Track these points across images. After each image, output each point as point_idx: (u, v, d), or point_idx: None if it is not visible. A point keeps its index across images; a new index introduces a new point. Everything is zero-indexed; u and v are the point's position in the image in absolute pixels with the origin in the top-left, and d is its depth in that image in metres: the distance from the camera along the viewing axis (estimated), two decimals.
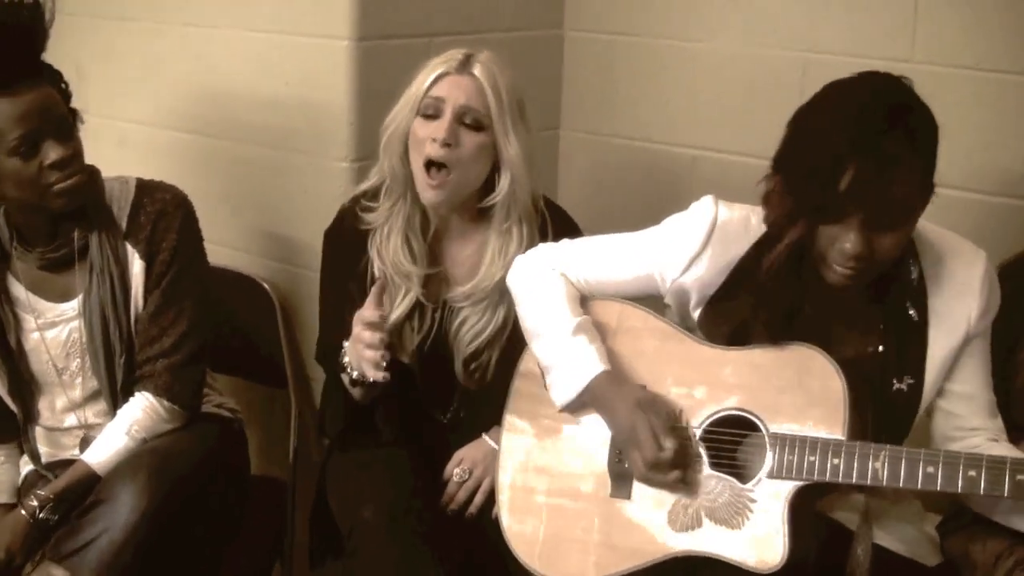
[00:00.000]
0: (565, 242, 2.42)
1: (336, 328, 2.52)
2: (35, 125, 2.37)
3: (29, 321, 2.56)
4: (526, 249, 2.51)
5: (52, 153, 2.38)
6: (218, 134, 3.13)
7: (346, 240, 2.58)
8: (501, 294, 2.53)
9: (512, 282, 2.43)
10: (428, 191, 2.47)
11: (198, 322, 2.58)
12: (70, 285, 2.55)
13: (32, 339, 2.57)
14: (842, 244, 2.00)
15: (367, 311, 2.37)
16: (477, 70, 2.47)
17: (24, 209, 2.48)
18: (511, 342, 2.53)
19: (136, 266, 2.55)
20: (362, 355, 2.36)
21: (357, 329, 2.38)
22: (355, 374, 2.43)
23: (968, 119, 2.71)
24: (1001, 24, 2.67)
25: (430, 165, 2.44)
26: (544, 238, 2.56)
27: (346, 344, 2.45)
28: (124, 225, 2.55)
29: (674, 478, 2.14)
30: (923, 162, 1.99)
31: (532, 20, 3.23)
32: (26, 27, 2.41)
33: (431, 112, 2.45)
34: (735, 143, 2.99)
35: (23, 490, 2.60)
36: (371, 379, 2.38)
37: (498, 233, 2.55)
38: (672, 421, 2.18)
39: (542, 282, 2.36)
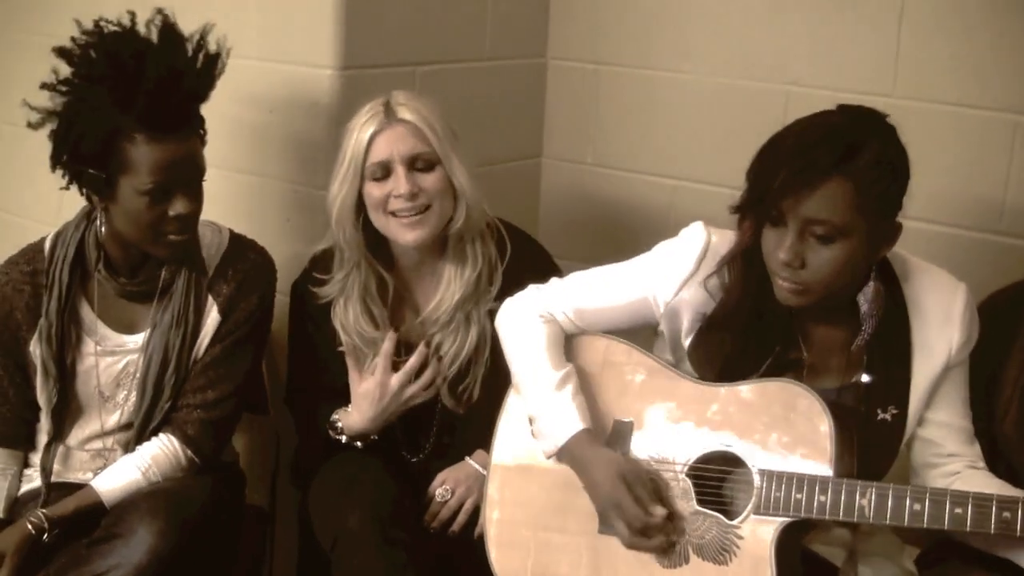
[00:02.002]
0: (554, 280, 2.42)
1: (306, 373, 2.58)
2: (174, 175, 2.39)
3: (89, 345, 2.56)
4: (482, 266, 2.55)
5: (179, 206, 2.41)
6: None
7: (311, 306, 2.62)
8: (467, 315, 2.56)
9: (499, 326, 2.43)
10: (408, 233, 2.48)
11: (244, 386, 2.61)
12: (140, 319, 2.57)
13: (87, 362, 2.57)
14: (777, 252, 2.06)
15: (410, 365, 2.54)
16: (405, 114, 2.48)
17: (128, 244, 2.49)
18: (493, 361, 2.54)
19: (211, 318, 2.56)
20: (409, 396, 2.54)
21: (395, 383, 2.53)
22: (343, 439, 2.55)
23: (948, 154, 2.75)
24: (982, 61, 2.70)
25: (400, 212, 2.47)
26: (502, 250, 2.59)
27: (338, 413, 2.54)
28: (211, 273, 2.57)
29: (660, 543, 2.15)
30: (855, 184, 2.03)
31: (515, 49, 3.25)
32: (200, 77, 2.44)
33: (380, 175, 2.47)
34: (715, 174, 3.01)
35: (17, 507, 2.58)
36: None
37: (453, 256, 2.57)
38: (656, 491, 2.19)
39: (527, 331, 2.35)
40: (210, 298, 2.56)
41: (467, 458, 2.60)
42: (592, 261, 2.46)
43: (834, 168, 2.01)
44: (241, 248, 2.62)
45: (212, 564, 2.53)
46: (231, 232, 2.65)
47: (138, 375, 2.56)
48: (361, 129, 2.48)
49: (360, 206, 2.51)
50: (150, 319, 2.55)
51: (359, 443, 2.58)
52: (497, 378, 2.49)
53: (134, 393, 2.57)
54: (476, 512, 2.51)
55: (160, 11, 2.46)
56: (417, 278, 2.62)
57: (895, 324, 2.18)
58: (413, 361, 2.53)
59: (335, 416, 2.57)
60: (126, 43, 2.41)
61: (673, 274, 2.27)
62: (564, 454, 2.24)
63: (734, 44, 3.02)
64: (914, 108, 2.76)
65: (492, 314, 2.52)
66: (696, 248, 2.26)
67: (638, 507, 2.13)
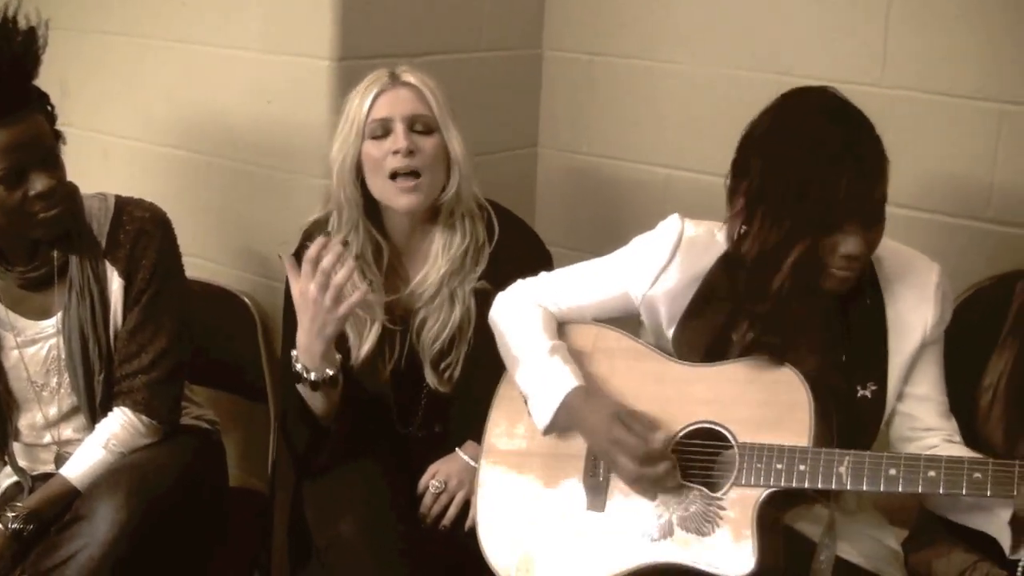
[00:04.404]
0: (543, 275, 2.48)
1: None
2: (22, 156, 2.36)
3: (9, 339, 2.57)
4: (470, 243, 2.58)
5: (38, 184, 2.39)
6: (200, 149, 3.16)
7: None
8: (452, 292, 2.58)
9: (493, 317, 2.47)
10: (402, 198, 2.51)
11: (176, 339, 2.60)
12: (49, 303, 2.56)
13: (12, 357, 2.58)
14: (845, 249, 2.10)
15: (323, 265, 2.34)
16: (410, 78, 2.55)
17: (5, 233, 2.48)
18: (477, 340, 2.57)
19: (115, 284, 2.56)
20: (331, 303, 2.34)
21: (314, 290, 2.35)
22: (313, 375, 2.43)
23: (936, 142, 2.78)
24: (968, 50, 2.73)
25: (395, 176, 2.49)
26: (491, 232, 2.62)
27: (294, 352, 2.45)
28: (103, 243, 2.56)
29: (666, 468, 2.17)
30: (884, 153, 2.12)
31: (511, 40, 3.28)
32: (18, 55, 2.40)
33: (380, 133, 2.51)
34: (708, 162, 3.04)
35: (0, 504, 2.59)
36: (338, 357, 2.42)
37: (443, 230, 2.60)
38: (652, 424, 2.23)
39: (520, 314, 2.41)
40: (108, 264, 2.55)
41: (458, 450, 2.62)
42: (588, 249, 2.51)
43: (877, 153, 2.11)
44: (128, 209, 2.60)
45: (196, 537, 2.56)
46: (117, 197, 2.62)
47: (63, 357, 2.56)
48: (365, 91, 2.53)
49: (360, 169, 2.54)
50: (58, 301, 2.55)
51: (314, 378, 2.44)
52: (480, 358, 2.53)
53: (65, 376, 2.58)
54: (468, 505, 2.52)
55: None
56: (408, 250, 2.64)
57: (871, 303, 2.24)
58: (327, 260, 2.34)
59: (294, 351, 2.47)
60: None
61: (648, 266, 2.32)
62: (561, 413, 2.27)
63: (727, 34, 3.05)
64: (902, 97, 2.80)
65: (477, 293, 2.56)
66: (670, 240, 2.31)
67: (636, 438, 2.17)
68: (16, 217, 2.41)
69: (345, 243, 2.45)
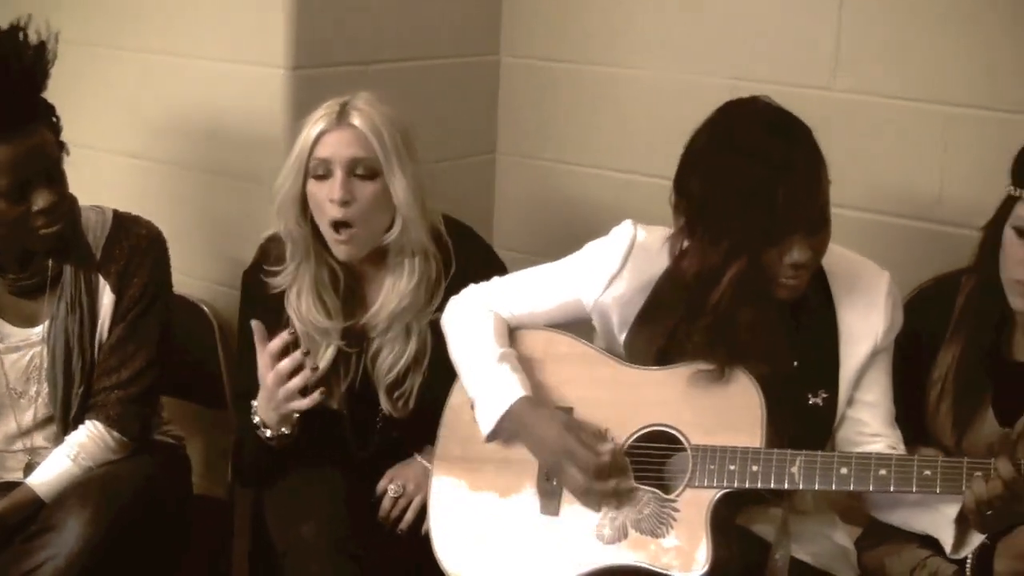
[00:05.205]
0: (495, 280, 2.48)
1: (250, 374, 2.51)
2: (26, 171, 2.37)
3: None
4: (420, 280, 2.55)
5: (40, 200, 2.39)
6: (157, 158, 3.16)
7: (263, 296, 2.59)
8: (407, 326, 2.56)
9: (444, 322, 2.48)
10: (339, 248, 2.50)
11: (156, 359, 2.60)
12: (37, 311, 2.56)
13: None
14: (791, 258, 2.11)
15: (279, 367, 2.38)
16: (355, 119, 2.47)
17: (2, 243, 2.48)
18: (432, 370, 2.56)
19: (106, 298, 2.56)
20: (283, 399, 2.39)
21: (269, 382, 2.40)
22: (268, 433, 2.47)
23: (885, 145, 2.82)
24: (919, 55, 2.77)
25: (337, 225, 2.47)
26: (448, 266, 2.59)
27: (255, 403, 2.47)
28: (98, 256, 2.56)
29: (614, 485, 2.19)
30: (821, 158, 2.13)
31: (468, 46, 3.29)
32: (28, 70, 2.40)
33: (321, 173, 2.47)
34: (667, 168, 3.02)
35: None
36: (296, 416, 2.42)
37: (392, 269, 2.57)
38: (601, 436, 2.24)
39: (471, 319, 2.42)
40: (101, 279, 2.55)
41: (415, 455, 2.62)
42: (547, 255, 2.52)
43: (815, 159, 2.12)
44: (126, 225, 2.61)
45: (160, 549, 2.56)
46: (115, 212, 2.63)
47: (45, 367, 2.56)
48: (312, 125, 2.49)
49: (305, 202, 2.51)
50: (46, 310, 2.55)
51: (269, 435, 2.48)
52: (436, 388, 2.51)
53: (44, 385, 2.57)
54: (424, 510, 2.51)
55: None
56: (365, 276, 2.63)
57: (822, 311, 2.26)
58: (285, 364, 2.38)
59: (255, 402, 2.49)
60: None
61: (600, 272, 2.32)
62: (506, 422, 2.27)
63: (684, 40, 3.07)
64: (853, 101, 2.84)
65: (433, 325, 2.54)
66: (622, 245, 2.32)
67: (587, 450, 2.18)
68: (16, 230, 2.42)
69: (307, 353, 2.43)
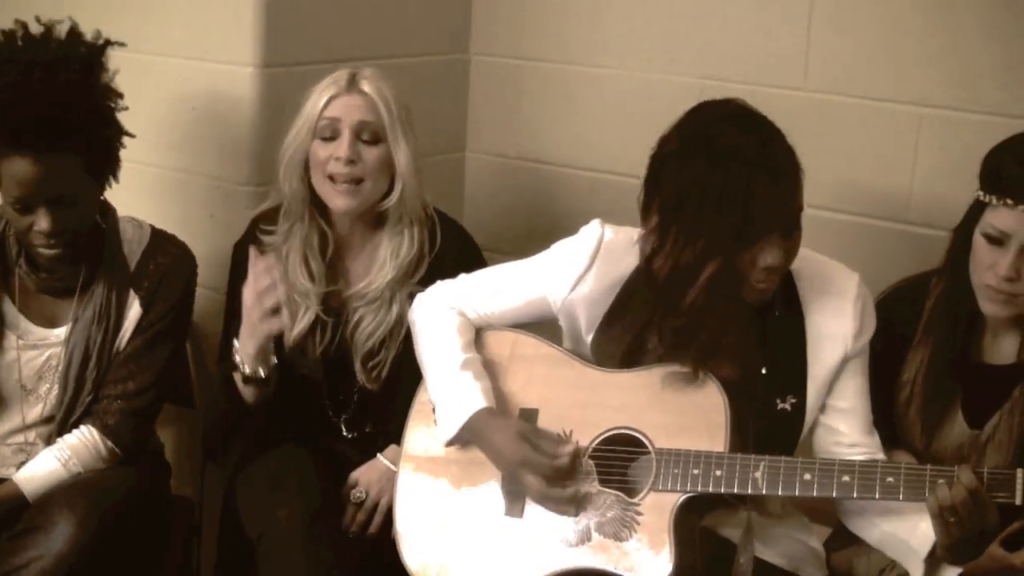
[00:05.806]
0: (462, 277, 2.48)
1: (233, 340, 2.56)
2: (34, 191, 2.39)
3: (11, 339, 2.58)
4: (417, 250, 2.62)
5: (42, 222, 2.42)
6: (125, 156, 3.12)
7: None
8: (392, 295, 2.62)
9: (412, 318, 2.49)
10: (339, 198, 2.57)
11: (163, 378, 2.63)
12: (62, 313, 2.59)
13: (9, 356, 2.58)
14: (765, 261, 2.09)
15: (259, 284, 2.42)
16: (366, 86, 2.58)
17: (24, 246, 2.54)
18: (406, 345, 2.58)
19: (133, 311, 2.59)
20: (258, 319, 2.42)
21: (249, 301, 2.44)
22: (247, 370, 2.50)
23: (856, 146, 2.82)
24: (888, 55, 2.77)
25: (335, 178, 2.55)
26: (433, 242, 2.65)
27: (236, 342, 2.50)
28: (132, 269, 2.59)
29: (572, 492, 2.19)
30: (797, 160, 2.12)
31: (438, 45, 3.29)
32: (66, 103, 2.40)
33: (328, 134, 2.56)
34: (635, 167, 3.03)
35: None
36: (275, 332, 2.45)
37: (391, 236, 2.64)
38: (559, 441, 2.24)
39: (437, 320, 2.41)
40: (132, 292, 2.59)
41: (379, 455, 2.63)
42: (516, 253, 2.51)
43: (790, 160, 2.12)
44: (162, 242, 2.66)
45: (141, 553, 2.56)
46: (152, 227, 2.68)
47: (60, 368, 2.58)
48: (322, 91, 2.59)
49: (307, 164, 2.59)
50: (71, 313, 2.58)
51: (248, 372, 2.51)
52: (408, 361, 2.54)
53: (56, 385, 2.59)
54: (391, 512, 2.49)
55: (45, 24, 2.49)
56: (350, 246, 2.69)
57: (790, 316, 2.24)
58: (263, 281, 2.43)
59: (236, 342, 2.52)
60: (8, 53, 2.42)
61: (567, 271, 2.31)
62: (465, 432, 2.28)
63: (653, 39, 3.07)
64: (824, 101, 2.84)
65: (411, 297, 2.57)
66: (590, 245, 2.31)
67: (543, 456, 2.19)
68: (24, 239, 2.49)
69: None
